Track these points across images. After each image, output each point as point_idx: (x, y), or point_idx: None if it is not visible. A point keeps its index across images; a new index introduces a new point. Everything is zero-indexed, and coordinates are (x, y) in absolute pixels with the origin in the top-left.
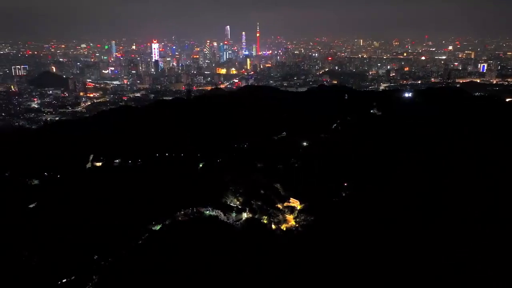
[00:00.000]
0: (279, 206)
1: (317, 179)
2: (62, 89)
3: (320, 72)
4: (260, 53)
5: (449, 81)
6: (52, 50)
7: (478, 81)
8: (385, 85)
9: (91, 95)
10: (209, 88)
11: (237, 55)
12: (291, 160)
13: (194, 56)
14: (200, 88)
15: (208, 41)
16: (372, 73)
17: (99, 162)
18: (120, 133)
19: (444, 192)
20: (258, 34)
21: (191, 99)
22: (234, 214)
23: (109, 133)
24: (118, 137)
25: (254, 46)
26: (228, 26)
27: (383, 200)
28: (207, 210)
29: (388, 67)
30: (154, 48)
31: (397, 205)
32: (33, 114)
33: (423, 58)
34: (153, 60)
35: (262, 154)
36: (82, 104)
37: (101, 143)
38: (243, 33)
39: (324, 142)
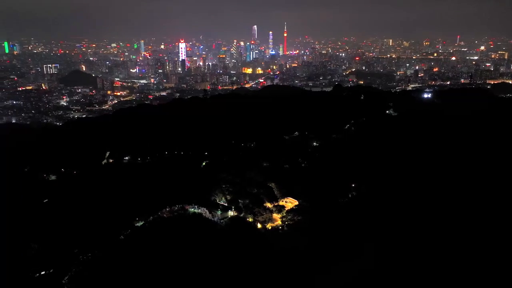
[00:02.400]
0: (269, 205)
1: (323, 179)
2: (91, 87)
3: (347, 72)
4: (287, 53)
5: (479, 82)
6: (83, 49)
7: (511, 82)
8: (412, 85)
9: (118, 94)
10: (233, 87)
11: (264, 54)
12: (298, 160)
13: (221, 56)
14: (225, 87)
15: (235, 41)
16: (400, 74)
17: (113, 159)
18: (136, 131)
19: (455, 197)
20: (285, 34)
21: (207, 98)
22: (219, 212)
23: (126, 130)
24: (133, 135)
25: (281, 45)
26: (255, 26)
27: (389, 203)
28: (192, 208)
29: (417, 67)
30: (181, 48)
31: (402, 208)
32: (61, 112)
33: (453, 58)
34: (180, 60)
35: (270, 153)
36: (109, 103)
37: (117, 140)
38: (270, 32)
39: (335, 143)
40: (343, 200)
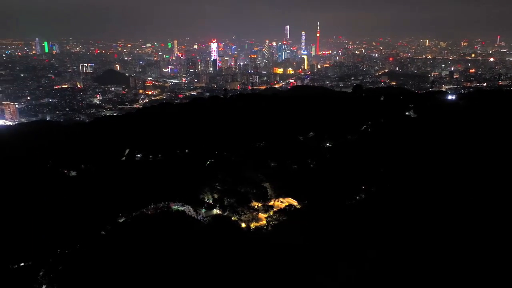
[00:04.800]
0: (258, 204)
1: (330, 180)
2: (123, 86)
3: (379, 73)
4: (319, 53)
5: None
6: (119, 49)
7: None
8: (446, 87)
9: (150, 93)
10: (263, 87)
11: (296, 55)
12: (307, 160)
13: (252, 56)
14: (255, 87)
15: (267, 41)
16: (434, 75)
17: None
18: (153, 129)
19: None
20: (318, 34)
21: (227, 97)
22: (203, 210)
23: (145, 128)
24: (150, 133)
25: (313, 46)
26: (287, 26)
27: (399, 206)
28: (176, 205)
29: (452, 68)
30: (213, 48)
31: (411, 212)
32: (93, 110)
33: (491, 59)
34: (212, 59)
35: (280, 153)
36: (140, 101)
37: (135, 138)
38: (303, 33)
39: (349, 144)
40: (349, 202)
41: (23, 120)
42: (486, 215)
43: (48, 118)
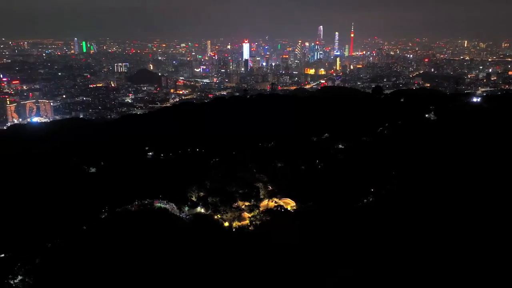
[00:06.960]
0: (246, 203)
1: (336, 182)
2: (156, 85)
3: (414, 75)
4: (353, 54)
5: None
6: (154, 49)
7: None
8: (483, 89)
9: (180, 92)
10: (293, 87)
11: (329, 55)
12: (315, 161)
13: (284, 56)
14: (285, 87)
15: (300, 41)
16: (470, 77)
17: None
18: (171, 127)
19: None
20: (352, 34)
21: (247, 97)
22: (187, 208)
23: (164, 126)
24: (168, 131)
25: (347, 46)
26: (321, 26)
27: (407, 211)
28: (160, 203)
29: (490, 70)
30: (245, 48)
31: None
32: (125, 108)
33: None
34: (243, 60)
35: (288, 153)
36: (171, 100)
37: (154, 136)
38: (336, 33)
39: (363, 145)
40: (355, 205)
41: (57, 117)
42: (501, 222)
43: (81, 116)
